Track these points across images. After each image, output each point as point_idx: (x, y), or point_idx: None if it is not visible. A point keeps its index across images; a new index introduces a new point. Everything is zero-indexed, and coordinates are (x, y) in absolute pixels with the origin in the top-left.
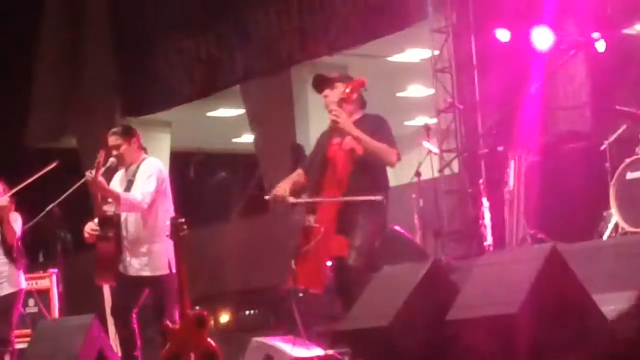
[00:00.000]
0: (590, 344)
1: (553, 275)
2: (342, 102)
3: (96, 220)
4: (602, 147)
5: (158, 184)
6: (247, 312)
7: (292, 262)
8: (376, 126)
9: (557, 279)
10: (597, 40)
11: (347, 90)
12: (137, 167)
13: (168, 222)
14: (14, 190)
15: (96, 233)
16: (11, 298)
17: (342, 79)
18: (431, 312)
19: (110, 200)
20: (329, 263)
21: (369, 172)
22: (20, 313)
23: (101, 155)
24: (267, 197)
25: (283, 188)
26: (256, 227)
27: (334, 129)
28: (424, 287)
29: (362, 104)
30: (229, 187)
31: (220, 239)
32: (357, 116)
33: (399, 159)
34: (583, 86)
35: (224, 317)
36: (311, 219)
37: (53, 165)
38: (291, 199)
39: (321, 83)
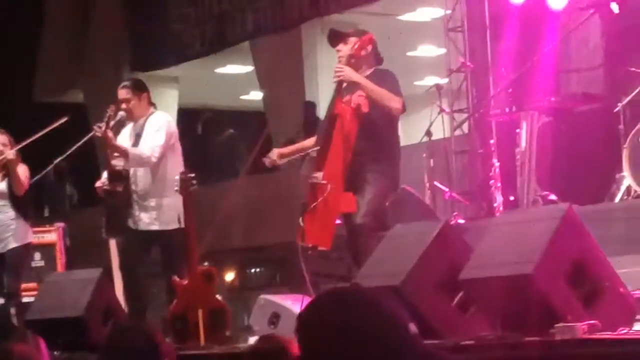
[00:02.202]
0: (605, 306)
1: (569, 236)
2: (350, 57)
3: (105, 174)
4: (616, 109)
5: (167, 137)
6: (253, 270)
7: (300, 219)
8: (382, 78)
9: (573, 239)
10: (612, 1)
11: (356, 46)
12: (146, 121)
13: (177, 177)
14: (21, 144)
15: (106, 187)
16: (19, 251)
17: (356, 34)
18: (444, 271)
19: (118, 154)
20: (337, 221)
21: (377, 129)
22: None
23: (111, 110)
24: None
25: (276, 152)
26: (264, 185)
27: (341, 85)
28: (436, 246)
29: (376, 60)
30: (236, 145)
31: (227, 197)
32: (368, 72)
33: (404, 109)
34: (597, 48)
35: (230, 275)
36: (319, 176)
37: (63, 120)
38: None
39: (335, 37)
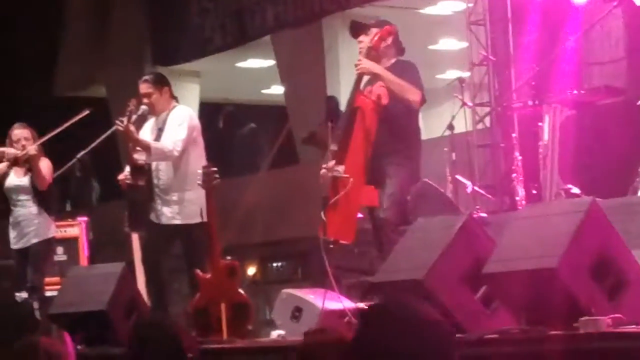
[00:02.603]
0: (629, 299)
1: (593, 230)
2: (370, 49)
3: (127, 168)
4: (639, 103)
5: (189, 131)
6: (274, 264)
7: (322, 213)
8: (402, 70)
9: (597, 233)
10: None
11: (376, 39)
12: (168, 115)
13: (200, 171)
14: (43, 139)
15: (128, 181)
16: (43, 246)
17: (378, 24)
18: (467, 265)
19: (139, 149)
20: (359, 214)
21: (396, 121)
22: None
23: (132, 104)
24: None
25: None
26: (285, 179)
27: (360, 78)
28: (460, 240)
29: (397, 51)
30: (257, 139)
31: (249, 191)
32: (389, 63)
33: (423, 101)
34: (619, 41)
35: (251, 269)
36: (340, 169)
37: (85, 113)
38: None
39: (357, 29)
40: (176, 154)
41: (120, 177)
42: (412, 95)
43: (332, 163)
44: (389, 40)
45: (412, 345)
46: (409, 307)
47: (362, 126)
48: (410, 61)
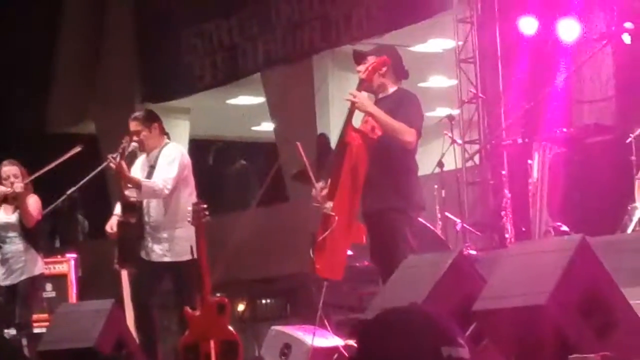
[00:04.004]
0: (618, 337)
1: (582, 267)
2: (362, 82)
3: (118, 205)
4: (628, 140)
5: (180, 169)
6: (263, 301)
7: (311, 250)
8: (399, 102)
9: (586, 271)
10: (625, 31)
11: (369, 69)
12: (159, 153)
13: (190, 208)
14: (32, 177)
15: (115, 232)
16: (30, 283)
17: (376, 52)
18: (457, 302)
19: (131, 186)
20: (349, 252)
21: (390, 155)
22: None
23: (125, 141)
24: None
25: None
26: (275, 216)
27: (352, 113)
28: (450, 277)
29: (398, 76)
30: (247, 176)
31: (238, 228)
32: (389, 91)
33: (419, 136)
34: (609, 79)
35: (240, 306)
36: (329, 206)
37: (76, 150)
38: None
39: (356, 58)
40: (167, 192)
41: (108, 228)
42: (406, 136)
43: (323, 193)
44: (384, 70)
45: (414, 354)
46: (411, 314)
47: (351, 162)
48: (409, 92)
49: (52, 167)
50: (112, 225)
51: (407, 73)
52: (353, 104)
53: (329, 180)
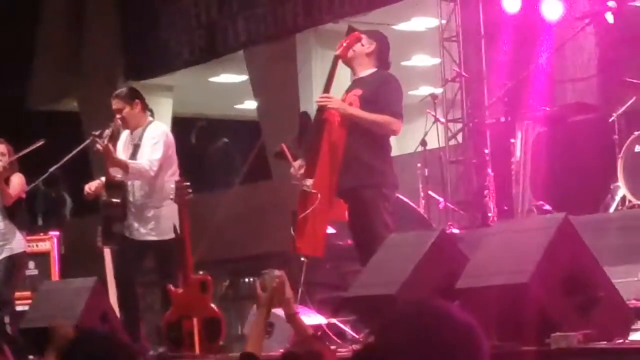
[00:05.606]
0: (600, 315)
1: (565, 245)
2: (337, 58)
3: (102, 179)
4: (611, 120)
5: (164, 150)
6: (246, 279)
7: (292, 228)
8: (381, 82)
9: (568, 249)
10: (608, 10)
11: (344, 45)
12: (143, 132)
13: (173, 186)
14: (16, 156)
15: (95, 193)
16: (13, 260)
17: (367, 33)
18: (440, 280)
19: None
20: (330, 229)
21: (364, 133)
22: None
23: (113, 124)
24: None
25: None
26: (258, 194)
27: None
28: (432, 255)
29: (380, 63)
30: (231, 154)
31: (221, 206)
32: (368, 71)
33: (401, 118)
34: (592, 58)
35: (224, 284)
36: (308, 183)
37: (39, 143)
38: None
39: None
40: (152, 173)
41: (87, 189)
42: (393, 126)
43: (301, 170)
44: (358, 47)
45: (438, 349)
46: (433, 309)
47: (329, 140)
48: (391, 75)
49: (17, 158)
50: (91, 186)
51: (389, 65)
52: (324, 107)
53: (307, 157)
